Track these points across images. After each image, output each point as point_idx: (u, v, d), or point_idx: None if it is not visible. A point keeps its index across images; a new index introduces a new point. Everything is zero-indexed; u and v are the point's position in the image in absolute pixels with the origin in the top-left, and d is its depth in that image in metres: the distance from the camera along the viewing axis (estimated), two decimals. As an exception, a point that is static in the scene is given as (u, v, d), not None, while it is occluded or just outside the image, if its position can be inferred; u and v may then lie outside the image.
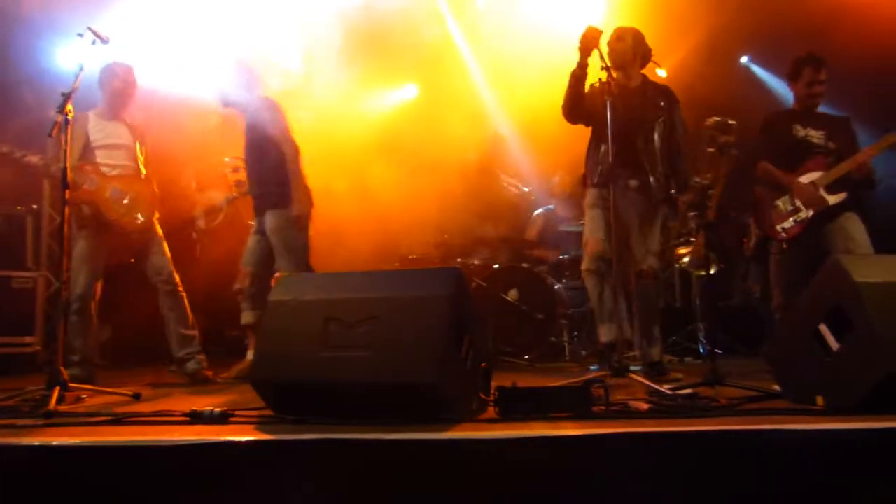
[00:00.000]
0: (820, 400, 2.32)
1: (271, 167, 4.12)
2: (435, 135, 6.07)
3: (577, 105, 3.74)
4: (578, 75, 3.65)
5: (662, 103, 3.83)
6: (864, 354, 2.17)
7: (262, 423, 2.29)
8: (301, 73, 5.98)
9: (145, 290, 4.15)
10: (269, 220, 4.12)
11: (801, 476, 1.86)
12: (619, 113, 3.64)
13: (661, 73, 7.20)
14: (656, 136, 3.76)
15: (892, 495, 1.84)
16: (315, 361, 2.30)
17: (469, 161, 6.04)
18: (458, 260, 5.73)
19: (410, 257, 5.81)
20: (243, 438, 1.98)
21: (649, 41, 4.15)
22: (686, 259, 5.62)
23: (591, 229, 3.79)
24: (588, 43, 3.46)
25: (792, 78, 4.14)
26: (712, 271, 5.35)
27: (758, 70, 7.68)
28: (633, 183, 3.66)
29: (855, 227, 3.83)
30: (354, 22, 5.71)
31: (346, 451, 1.92)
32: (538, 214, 6.29)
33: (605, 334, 3.74)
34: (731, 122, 3.71)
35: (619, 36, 3.87)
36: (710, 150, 3.28)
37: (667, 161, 3.81)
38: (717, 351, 5.26)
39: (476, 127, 6.37)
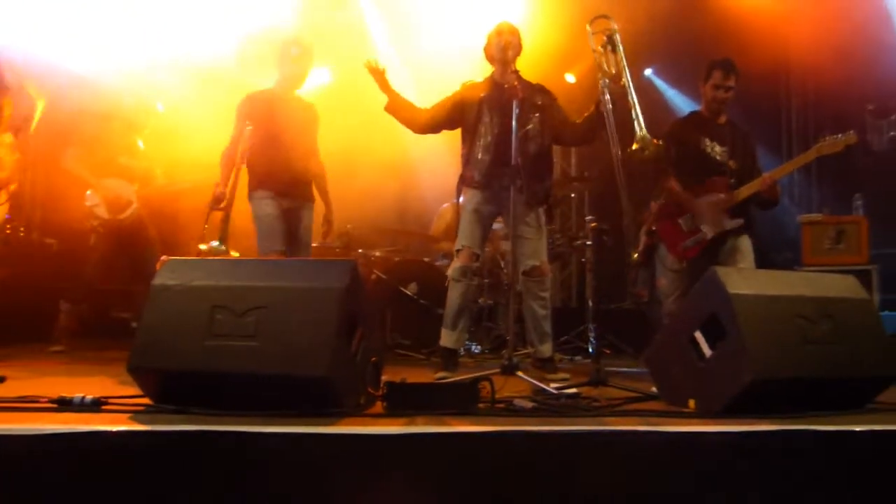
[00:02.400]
0: (692, 403, 2.45)
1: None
2: (346, 122, 5.99)
3: (415, 124, 3.90)
4: (389, 106, 3.86)
5: (540, 101, 3.82)
6: (733, 361, 2.32)
7: (138, 413, 2.20)
8: (209, 53, 5.81)
9: (26, 265, 3.94)
10: (308, 215, 4.41)
11: (671, 475, 1.97)
12: (496, 111, 3.71)
13: (570, 78, 7.42)
14: (536, 136, 3.75)
15: (752, 494, 1.97)
16: (199, 350, 2.23)
17: (379, 151, 6.00)
18: (360, 251, 5.69)
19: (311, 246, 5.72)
20: (116, 428, 1.89)
21: (557, 47, 4.26)
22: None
23: (466, 236, 3.77)
24: (377, 79, 3.80)
25: (703, 79, 4.17)
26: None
27: (660, 83, 8.02)
28: (517, 180, 3.56)
29: (745, 247, 4.02)
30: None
31: (226, 444, 1.87)
32: (446, 208, 6.32)
33: (449, 340, 3.76)
34: (606, 15, 3.80)
35: (512, 30, 3.86)
36: (599, 48, 3.36)
37: (545, 160, 3.85)
38: (605, 351, 5.54)
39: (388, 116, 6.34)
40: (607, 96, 3.36)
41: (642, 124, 3.24)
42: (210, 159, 4.49)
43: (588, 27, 3.45)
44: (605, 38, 3.38)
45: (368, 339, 2.53)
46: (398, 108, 3.87)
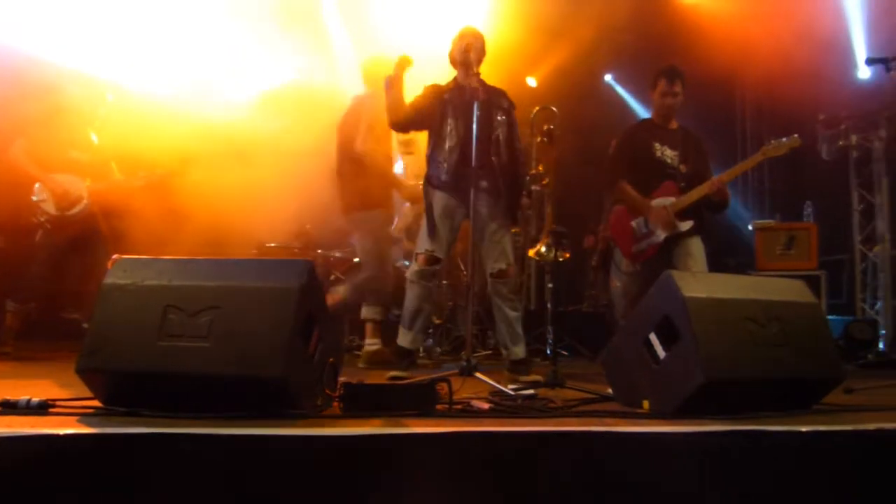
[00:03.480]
0: (646, 404, 2.50)
1: None
2: (308, 121, 5.95)
3: (396, 119, 3.91)
4: (391, 95, 3.85)
5: (505, 105, 3.87)
6: (686, 363, 2.36)
7: (87, 416, 2.15)
8: (167, 54, 5.72)
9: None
10: None
11: (625, 475, 2.00)
12: (460, 113, 3.74)
13: (532, 82, 7.50)
14: (500, 138, 3.79)
15: (703, 492, 2.01)
16: (151, 351, 2.19)
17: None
18: (319, 251, 5.66)
19: (268, 245, 5.66)
20: (63, 431, 1.85)
21: (522, 52, 4.30)
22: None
23: (428, 239, 3.77)
24: (398, 68, 3.83)
25: (650, 87, 4.29)
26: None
27: (619, 89, 8.15)
28: (483, 184, 3.63)
29: (697, 249, 4.11)
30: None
31: (179, 446, 1.84)
32: (408, 207, 6.30)
33: (405, 340, 3.78)
34: (553, 108, 3.96)
35: (475, 34, 3.90)
36: (539, 139, 3.46)
37: (509, 163, 3.87)
38: (563, 353, 5.60)
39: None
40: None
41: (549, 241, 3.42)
42: (173, 154, 4.43)
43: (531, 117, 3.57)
44: (544, 129, 3.48)
45: (326, 340, 2.51)
46: (395, 109, 3.87)
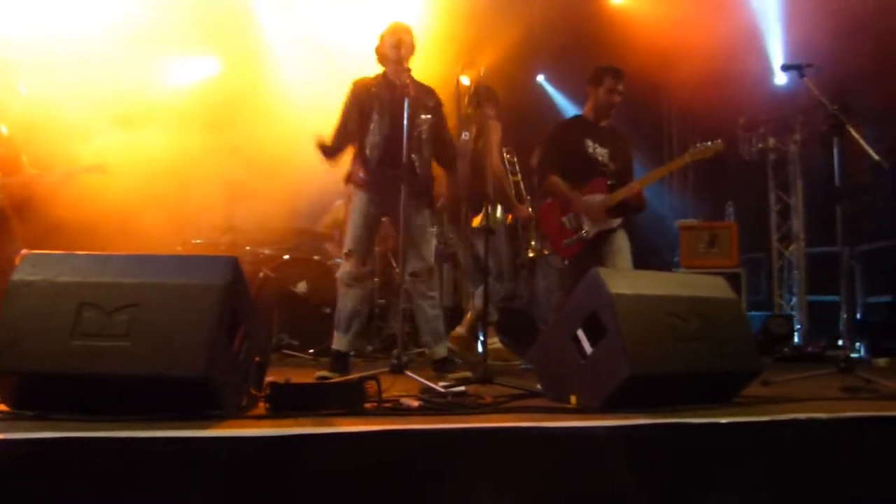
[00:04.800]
0: (574, 399, 2.53)
1: None
2: (233, 115, 5.81)
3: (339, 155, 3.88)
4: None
5: (431, 104, 3.84)
6: (612, 358, 2.40)
7: (-8, 420, 2.03)
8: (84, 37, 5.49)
9: None
10: None
11: (553, 470, 2.02)
12: (387, 110, 3.71)
13: (465, 80, 7.52)
14: (423, 137, 3.77)
15: (628, 485, 2.05)
16: (64, 351, 2.08)
17: (268, 145, 5.85)
18: (247, 248, 5.53)
19: (194, 242, 5.50)
20: (-37, 437, 1.74)
21: (456, 47, 4.29)
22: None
23: (353, 239, 3.76)
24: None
25: (593, 83, 4.32)
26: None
27: (550, 89, 8.27)
28: (407, 180, 3.53)
29: (623, 245, 4.21)
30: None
31: (93, 450, 1.76)
32: (339, 204, 6.22)
33: (341, 343, 3.74)
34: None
35: (406, 29, 3.85)
36: (470, 110, 3.48)
37: (430, 161, 3.88)
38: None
39: (284, 110, 6.20)
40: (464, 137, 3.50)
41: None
42: (93, 148, 4.25)
43: (459, 70, 3.56)
44: (472, 90, 3.49)
45: (252, 338, 2.45)
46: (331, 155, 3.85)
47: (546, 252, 5.41)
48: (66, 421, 1.92)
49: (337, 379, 3.31)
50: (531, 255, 5.52)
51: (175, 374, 2.08)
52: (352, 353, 3.91)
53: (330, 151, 3.82)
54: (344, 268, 3.75)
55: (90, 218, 4.81)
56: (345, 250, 3.76)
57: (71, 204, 4.82)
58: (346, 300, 3.73)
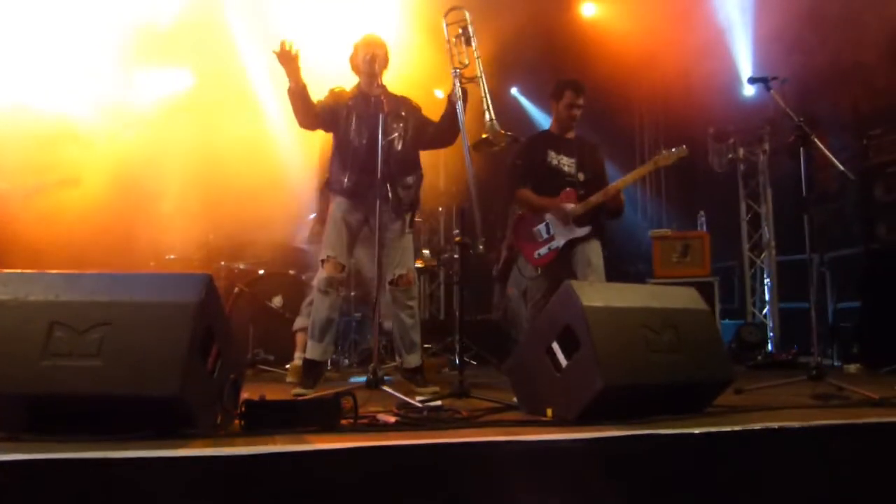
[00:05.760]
0: (549, 411, 2.55)
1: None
2: (209, 126, 5.78)
3: (308, 116, 3.74)
4: (294, 91, 3.62)
5: (404, 112, 3.86)
6: (585, 370, 2.43)
7: (-41, 443, 1.99)
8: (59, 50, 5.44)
9: None
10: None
11: (529, 483, 2.03)
12: (363, 121, 3.72)
13: (439, 93, 7.55)
14: (400, 145, 3.79)
15: (604, 496, 2.07)
16: (33, 371, 2.05)
17: (243, 157, 5.82)
18: (222, 263, 5.50)
19: (168, 257, 5.46)
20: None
21: (426, 62, 4.31)
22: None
23: (332, 245, 3.74)
24: (288, 63, 3.52)
25: (554, 97, 4.41)
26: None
27: (524, 101, 8.35)
28: (384, 189, 3.58)
29: (594, 254, 4.24)
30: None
31: (65, 472, 1.74)
32: (313, 219, 6.21)
33: (315, 352, 3.71)
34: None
35: (379, 43, 3.89)
36: (452, 40, 3.44)
37: (411, 168, 3.88)
38: (471, 363, 5.65)
39: (258, 124, 6.18)
40: (458, 87, 3.46)
41: (492, 113, 3.35)
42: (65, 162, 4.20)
43: (443, 19, 3.54)
44: (458, 29, 3.48)
45: (227, 355, 2.43)
46: (300, 96, 3.64)
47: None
48: (37, 442, 1.90)
49: (312, 395, 3.30)
50: (420, 264, 5.53)
51: (148, 394, 2.06)
52: (328, 363, 3.90)
53: (302, 96, 3.66)
54: (320, 274, 3.73)
55: (61, 233, 4.76)
56: (322, 256, 3.74)
57: (41, 218, 4.76)
58: (321, 307, 3.71)
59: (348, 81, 3.99)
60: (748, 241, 7.73)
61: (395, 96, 3.91)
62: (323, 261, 3.73)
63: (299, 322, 4.72)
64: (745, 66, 6.86)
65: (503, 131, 3.35)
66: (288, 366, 4.65)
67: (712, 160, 7.45)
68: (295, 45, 3.53)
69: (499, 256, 6.25)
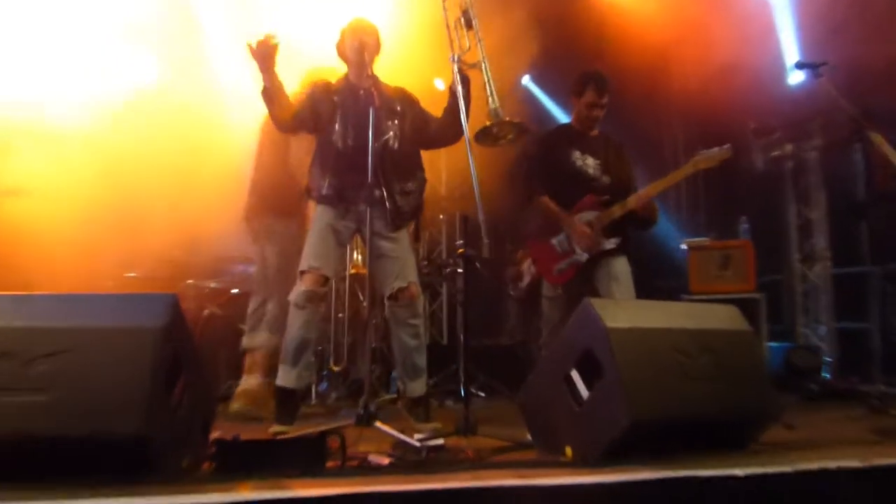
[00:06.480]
0: (568, 451, 2.54)
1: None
2: (177, 127, 5.80)
3: (285, 117, 3.76)
4: (269, 91, 3.64)
5: (399, 107, 3.87)
6: (609, 403, 2.42)
7: None
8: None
9: None
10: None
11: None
12: (351, 118, 3.72)
13: (440, 84, 7.59)
14: (396, 145, 3.78)
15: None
16: (-29, 409, 2.06)
17: (214, 162, 5.84)
18: (190, 282, 5.50)
19: (128, 276, 5.46)
20: None
21: (425, 48, 4.32)
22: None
23: (314, 255, 3.71)
24: (265, 59, 3.54)
25: (575, 93, 4.43)
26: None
27: (537, 91, 8.37)
28: (375, 194, 3.58)
29: (622, 271, 4.23)
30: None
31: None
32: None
33: (288, 379, 3.66)
34: None
35: (369, 29, 3.90)
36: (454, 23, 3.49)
37: (410, 170, 3.88)
38: (478, 394, 5.63)
39: (230, 125, 6.20)
40: (457, 74, 3.47)
41: (496, 99, 3.36)
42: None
43: (442, 1, 3.56)
44: (459, 11, 3.50)
45: (195, 387, 2.44)
46: (276, 97, 3.67)
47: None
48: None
49: (294, 433, 3.29)
50: (353, 271, 5.52)
51: (104, 434, 2.07)
52: (311, 394, 3.85)
53: (278, 97, 3.66)
54: (298, 287, 3.70)
55: (7, 249, 4.77)
56: (301, 268, 3.72)
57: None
58: (296, 325, 3.66)
59: (335, 69, 4.00)
60: (798, 250, 7.70)
61: (389, 88, 3.91)
62: (302, 272, 3.71)
63: (247, 340, 4.58)
64: (791, 49, 6.88)
65: (509, 119, 3.36)
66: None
67: (755, 158, 7.44)
68: (276, 38, 3.55)
69: (517, 273, 6.24)
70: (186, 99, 6.05)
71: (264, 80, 3.61)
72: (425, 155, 4.05)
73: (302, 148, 4.32)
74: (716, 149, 4.14)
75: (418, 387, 3.84)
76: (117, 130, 5.84)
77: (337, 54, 3.96)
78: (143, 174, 5.59)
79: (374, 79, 3.81)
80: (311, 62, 4.53)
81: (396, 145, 3.80)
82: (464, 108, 3.46)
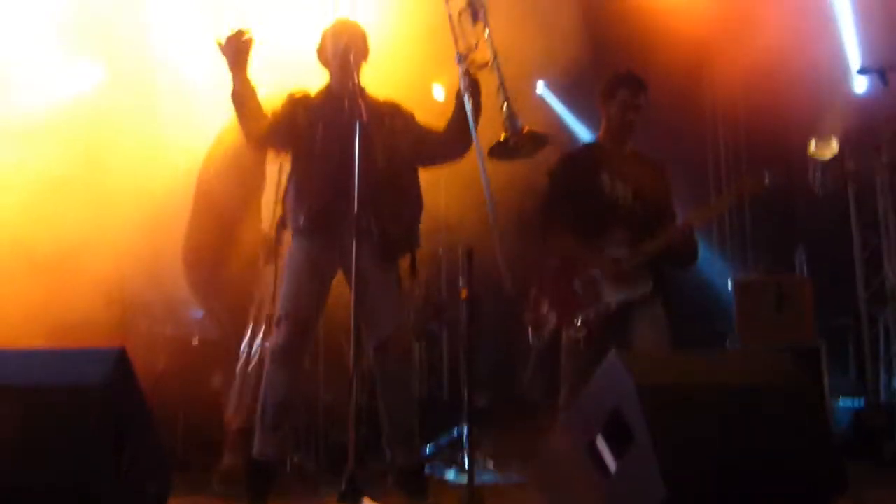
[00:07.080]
0: (593, 534, 2.53)
1: None
2: (133, 134, 5.83)
3: (258, 130, 3.80)
4: (239, 94, 3.70)
5: (388, 123, 3.88)
6: (642, 474, 2.41)
7: None
8: None
9: None
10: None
11: None
12: (334, 135, 3.73)
13: (439, 93, 7.65)
14: (387, 164, 3.79)
15: None
16: None
17: (176, 176, 5.85)
18: (143, 328, 5.51)
19: (65, 322, 5.45)
20: None
21: (422, 51, 4.36)
22: None
23: (292, 298, 3.74)
24: (236, 56, 3.62)
25: (605, 96, 4.39)
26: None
27: (554, 101, 8.44)
28: (363, 222, 3.56)
29: (655, 315, 4.20)
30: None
31: None
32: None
33: (268, 447, 3.67)
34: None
35: (355, 30, 3.95)
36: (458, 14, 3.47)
37: (404, 196, 3.90)
38: (487, 464, 5.59)
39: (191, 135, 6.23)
40: (464, 78, 3.49)
41: (512, 107, 3.36)
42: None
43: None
44: (463, 3, 3.52)
45: (145, 458, 2.44)
46: (247, 102, 3.73)
47: None
48: None
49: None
50: None
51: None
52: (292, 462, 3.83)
53: (249, 102, 3.74)
54: (275, 339, 3.71)
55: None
56: (276, 315, 3.74)
57: None
58: (275, 384, 3.67)
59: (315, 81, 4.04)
60: (865, 288, 7.67)
61: (378, 101, 3.94)
62: (278, 320, 3.71)
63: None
64: (854, 52, 6.93)
65: (528, 128, 3.37)
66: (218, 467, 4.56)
67: (813, 178, 7.45)
68: (249, 33, 3.62)
69: (539, 318, 6.21)
70: (131, 110, 6.09)
71: (234, 81, 3.68)
72: (422, 176, 4.06)
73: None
74: (766, 170, 4.14)
75: (411, 456, 3.82)
76: (48, 143, 5.85)
77: (318, 60, 3.99)
78: (81, 195, 5.59)
79: (361, 89, 3.83)
80: (287, 74, 4.56)
81: (387, 164, 3.81)
82: (474, 118, 3.47)
